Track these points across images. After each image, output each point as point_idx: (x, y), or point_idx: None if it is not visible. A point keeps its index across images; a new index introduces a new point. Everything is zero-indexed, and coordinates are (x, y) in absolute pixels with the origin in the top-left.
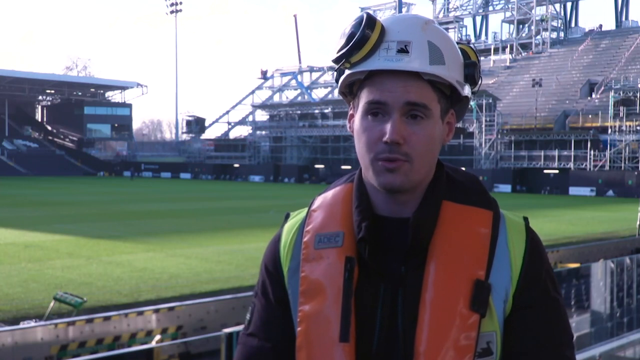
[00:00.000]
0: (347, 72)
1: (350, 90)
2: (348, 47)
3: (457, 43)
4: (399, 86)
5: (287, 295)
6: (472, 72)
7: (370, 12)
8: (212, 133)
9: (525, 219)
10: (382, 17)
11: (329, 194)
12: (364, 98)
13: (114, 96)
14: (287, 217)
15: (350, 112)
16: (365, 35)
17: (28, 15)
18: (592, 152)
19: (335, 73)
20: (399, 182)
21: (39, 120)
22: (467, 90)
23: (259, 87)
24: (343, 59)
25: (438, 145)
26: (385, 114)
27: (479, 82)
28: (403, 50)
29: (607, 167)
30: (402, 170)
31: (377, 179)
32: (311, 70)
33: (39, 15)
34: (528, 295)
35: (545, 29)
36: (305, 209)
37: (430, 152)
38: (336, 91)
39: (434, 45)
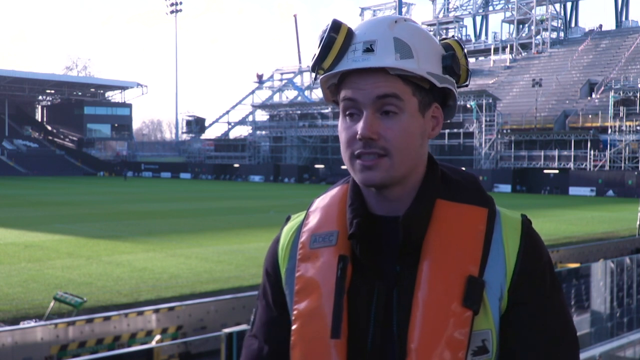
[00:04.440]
0: (321, 77)
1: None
2: (317, 53)
3: (443, 39)
4: (368, 83)
5: (285, 297)
6: (449, 63)
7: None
8: (212, 133)
9: (524, 216)
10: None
11: (327, 195)
12: (340, 99)
13: (114, 96)
14: (287, 219)
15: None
16: (330, 39)
17: (18, 14)
18: (592, 152)
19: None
20: (379, 178)
21: (39, 120)
22: (447, 83)
23: (259, 87)
24: (316, 66)
25: (419, 139)
26: (360, 113)
27: (466, 74)
28: (369, 49)
29: (607, 167)
30: (382, 166)
31: (357, 177)
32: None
33: (30, 13)
34: (522, 292)
35: (545, 29)
36: (305, 212)
37: (411, 146)
38: None
39: (401, 40)
